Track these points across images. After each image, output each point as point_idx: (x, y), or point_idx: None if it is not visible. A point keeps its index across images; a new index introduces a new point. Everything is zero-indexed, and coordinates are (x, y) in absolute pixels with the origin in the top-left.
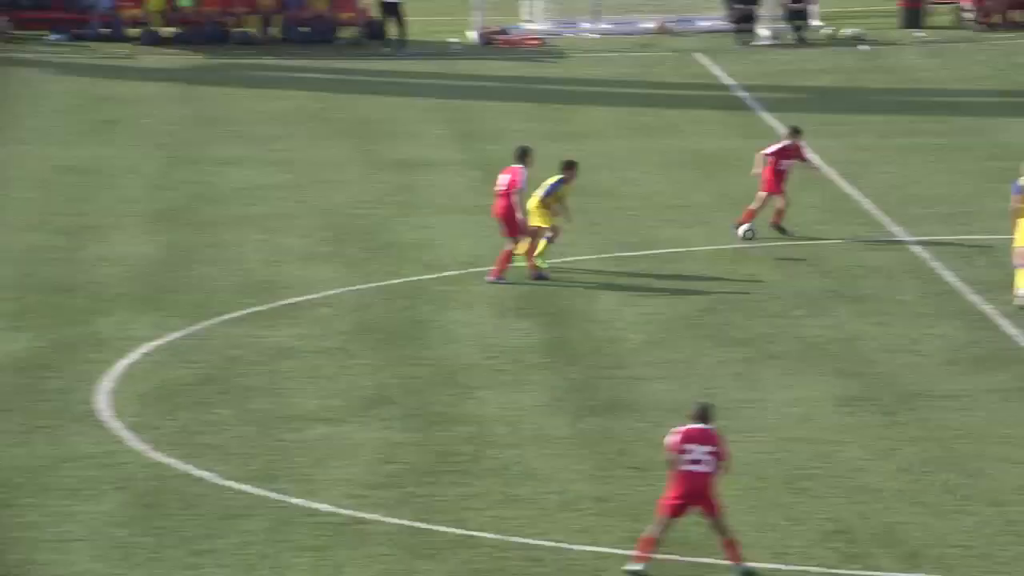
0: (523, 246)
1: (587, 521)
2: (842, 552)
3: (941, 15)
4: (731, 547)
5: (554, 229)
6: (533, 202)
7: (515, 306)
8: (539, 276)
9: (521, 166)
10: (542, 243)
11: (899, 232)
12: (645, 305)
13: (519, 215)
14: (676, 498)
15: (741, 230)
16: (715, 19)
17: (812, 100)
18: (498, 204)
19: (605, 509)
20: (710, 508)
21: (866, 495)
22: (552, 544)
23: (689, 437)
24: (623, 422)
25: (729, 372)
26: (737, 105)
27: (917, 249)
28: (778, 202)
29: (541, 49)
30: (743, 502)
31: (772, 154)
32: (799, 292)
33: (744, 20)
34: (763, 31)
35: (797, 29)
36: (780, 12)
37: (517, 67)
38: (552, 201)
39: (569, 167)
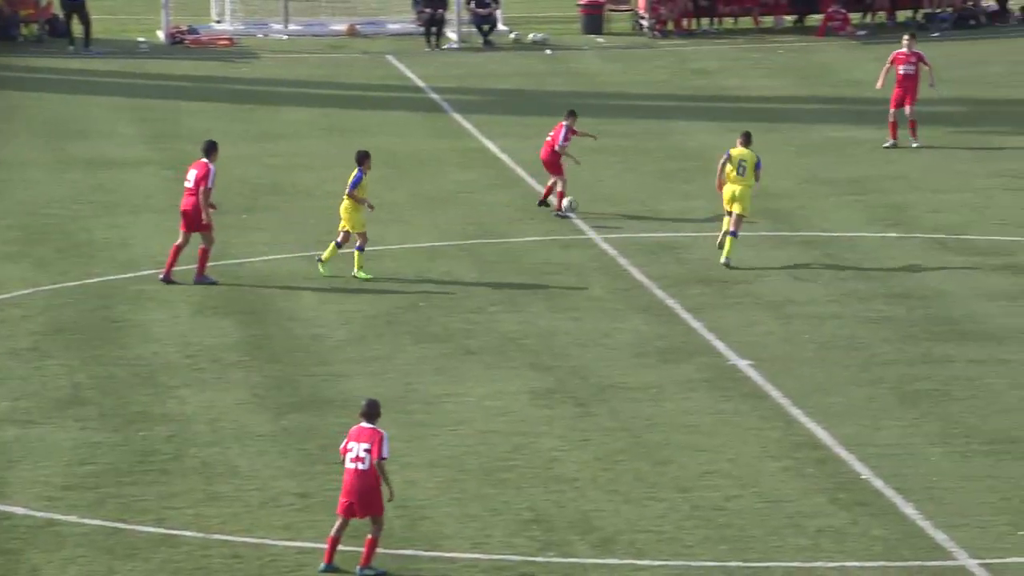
0: (330, 251)
1: (289, 517)
2: (540, 540)
3: (620, 22)
4: (370, 547)
5: (346, 235)
6: (345, 203)
7: (214, 305)
8: (205, 280)
9: (208, 161)
10: (331, 249)
11: (588, 230)
12: (345, 303)
13: (204, 211)
14: (343, 496)
15: (565, 203)
16: (404, 22)
17: (501, 102)
18: (185, 199)
19: (308, 505)
20: (362, 505)
21: (562, 484)
22: (254, 541)
23: (353, 435)
24: (325, 418)
25: (429, 367)
26: (429, 107)
27: (606, 247)
28: (559, 184)
29: (232, 49)
30: (445, 494)
31: (553, 137)
32: (495, 288)
33: (433, 24)
34: (451, 35)
35: (484, 33)
36: (467, 16)
37: (208, 67)
38: (359, 193)
39: (365, 157)
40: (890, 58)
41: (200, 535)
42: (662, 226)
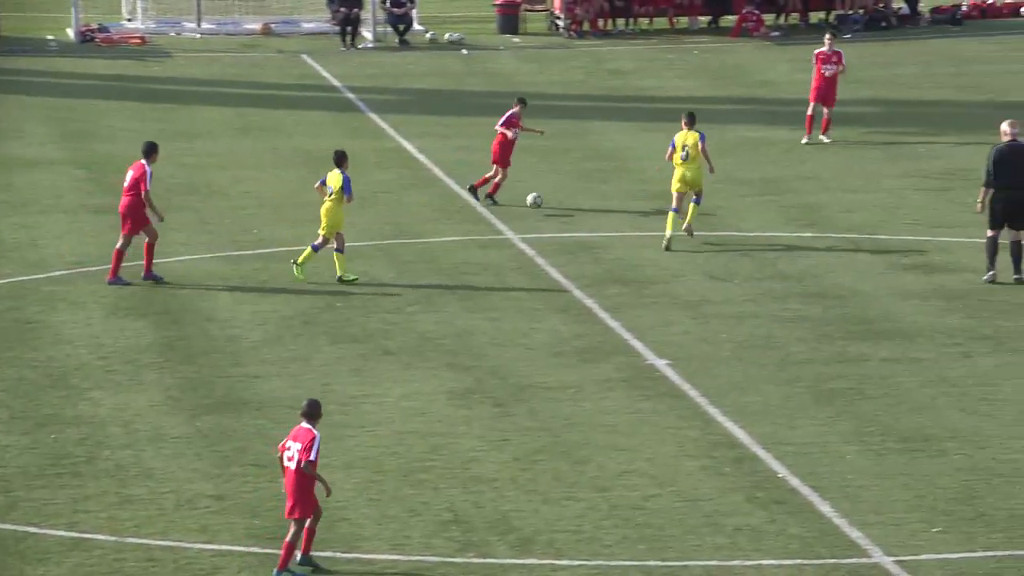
0: (308, 254)
1: (205, 519)
2: (459, 541)
3: (536, 22)
4: (287, 550)
5: (326, 239)
6: (327, 204)
7: (128, 306)
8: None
9: (145, 162)
10: (307, 253)
11: (506, 230)
12: (261, 303)
13: (152, 210)
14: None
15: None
16: (319, 21)
17: (417, 102)
18: (123, 201)
19: (223, 507)
20: (292, 505)
21: (481, 485)
22: (170, 544)
23: (292, 434)
24: (241, 420)
25: (346, 368)
26: (344, 106)
27: (524, 247)
28: (500, 175)
29: (144, 48)
30: (362, 495)
31: (502, 125)
32: (413, 288)
33: (348, 23)
34: (367, 34)
35: (400, 33)
36: (383, 16)
37: (120, 66)
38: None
39: (344, 158)
40: (814, 56)
41: (113, 539)
42: (580, 226)
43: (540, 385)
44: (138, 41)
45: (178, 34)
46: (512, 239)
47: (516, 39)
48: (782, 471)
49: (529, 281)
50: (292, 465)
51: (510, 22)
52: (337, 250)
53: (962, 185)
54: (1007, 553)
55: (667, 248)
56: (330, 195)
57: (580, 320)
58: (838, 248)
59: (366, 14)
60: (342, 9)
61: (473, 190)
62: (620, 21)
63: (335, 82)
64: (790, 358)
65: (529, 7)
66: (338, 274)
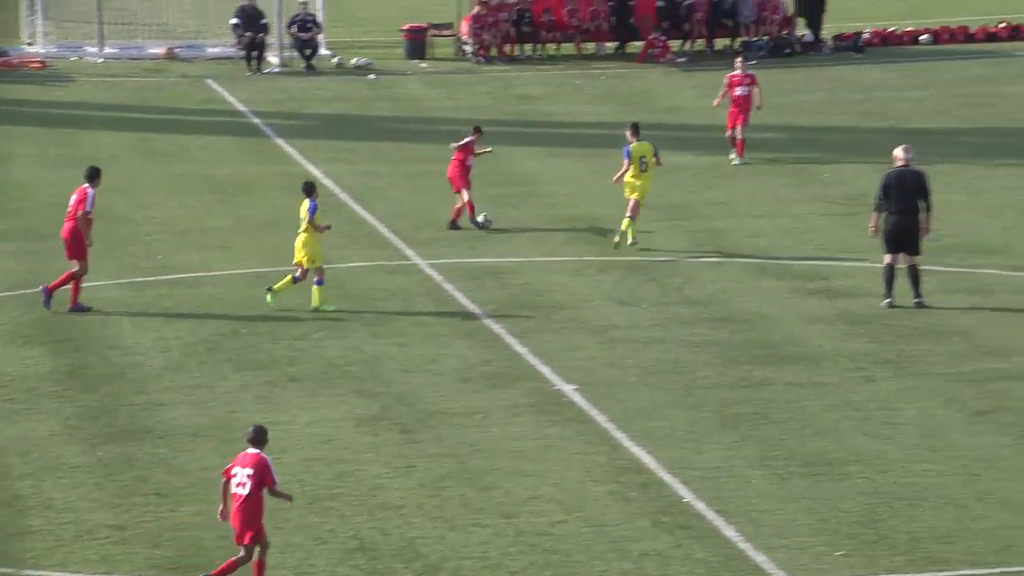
0: (286, 283)
1: (105, 550)
2: (364, 568)
3: (443, 47)
4: (229, 568)
5: (305, 271)
6: (302, 237)
7: (27, 333)
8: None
9: (88, 186)
10: (285, 281)
11: (413, 256)
12: (165, 330)
13: (85, 235)
14: (233, 521)
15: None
16: (224, 46)
17: (324, 127)
18: (65, 226)
19: (124, 537)
20: (240, 532)
21: (387, 512)
22: (68, 575)
23: (238, 460)
24: (143, 448)
25: (252, 395)
26: (250, 131)
27: (431, 272)
28: (462, 197)
29: (45, 72)
30: (267, 523)
31: (460, 149)
32: (320, 314)
33: (253, 47)
34: (273, 59)
35: (307, 57)
36: (289, 40)
37: (21, 90)
38: (318, 221)
39: (313, 188)
40: (726, 80)
41: (11, 571)
42: (488, 251)
43: (447, 411)
44: (38, 65)
45: (80, 58)
46: (419, 264)
47: (424, 64)
48: (688, 496)
49: (437, 307)
50: (243, 491)
51: (417, 47)
52: (301, 279)
53: (865, 210)
54: None
55: (616, 246)
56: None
57: (488, 346)
58: (744, 273)
59: (272, 39)
60: (247, 33)
61: (453, 224)
62: (527, 46)
63: (240, 107)
64: (696, 383)
65: (436, 32)
66: (314, 305)
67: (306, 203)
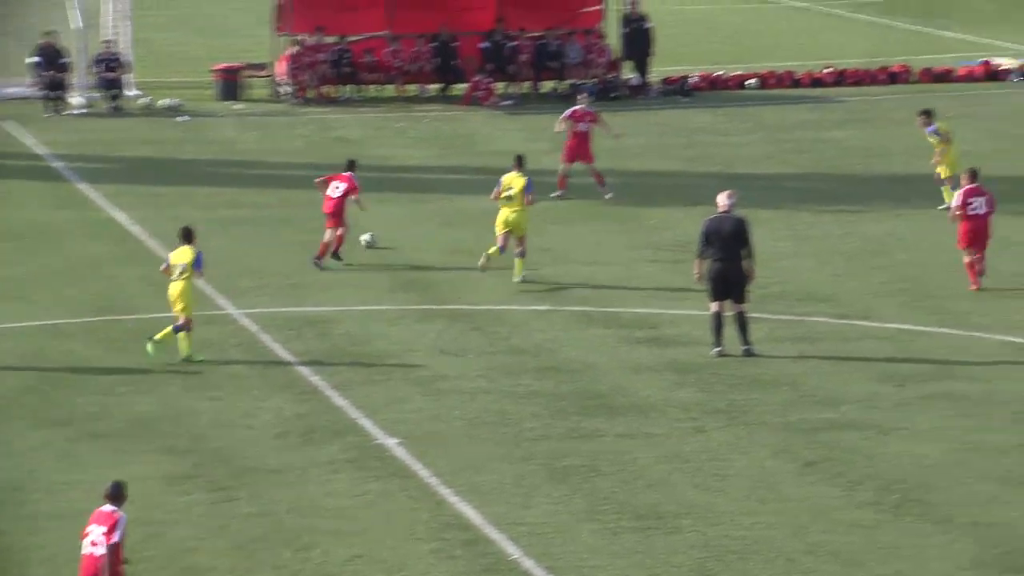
0: (167, 333)
1: None
2: None
3: (258, 88)
4: None
5: (189, 319)
6: (181, 285)
7: None
8: None
9: None
10: (167, 331)
11: (227, 305)
12: None
13: None
14: None
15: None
16: (22, 86)
17: (131, 170)
18: None
19: None
20: None
21: None
22: None
23: (92, 519)
24: None
25: (51, 453)
26: (51, 175)
27: (246, 322)
28: (339, 231)
29: None
30: None
31: (346, 188)
32: (126, 368)
33: (53, 87)
34: (76, 99)
35: (112, 98)
36: (93, 80)
37: None
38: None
39: (191, 234)
40: (568, 113)
41: None
42: (305, 299)
43: (263, 468)
44: None
45: None
46: (233, 314)
47: (238, 105)
48: (516, 552)
49: (252, 358)
50: (96, 551)
51: (230, 88)
52: (185, 329)
53: (691, 257)
54: None
55: (482, 269)
56: (181, 273)
57: (305, 399)
58: (571, 322)
59: (74, 78)
60: (46, 73)
61: (335, 255)
62: (347, 88)
63: (40, 150)
64: (524, 435)
65: (252, 73)
66: (185, 354)
67: (188, 250)
